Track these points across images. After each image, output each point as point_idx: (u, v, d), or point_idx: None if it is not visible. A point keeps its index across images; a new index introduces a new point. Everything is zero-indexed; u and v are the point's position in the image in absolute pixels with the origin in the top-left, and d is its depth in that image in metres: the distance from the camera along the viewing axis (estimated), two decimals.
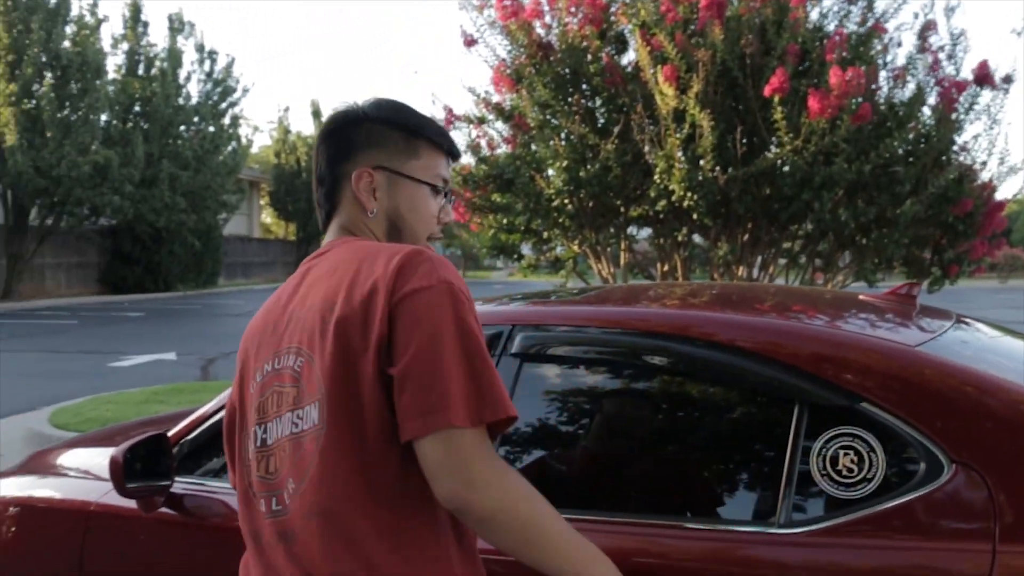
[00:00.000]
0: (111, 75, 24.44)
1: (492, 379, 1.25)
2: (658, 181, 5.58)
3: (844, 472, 1.67)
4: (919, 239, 6.56)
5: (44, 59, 22.08)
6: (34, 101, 21.89)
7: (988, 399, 1.66)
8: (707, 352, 1.85)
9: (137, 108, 25.01)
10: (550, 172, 6.13)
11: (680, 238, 6.35)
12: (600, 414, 2.04)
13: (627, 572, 1.71)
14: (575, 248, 6.90)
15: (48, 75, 22.07)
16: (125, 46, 25.23)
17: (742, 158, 5.56)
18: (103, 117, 24.17)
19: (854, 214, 5.71)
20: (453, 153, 1.55)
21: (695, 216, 5.66)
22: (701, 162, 5.39)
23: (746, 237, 6.26)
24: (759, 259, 6.70)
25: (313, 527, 1.28)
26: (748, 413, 1.90)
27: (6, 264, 23.64)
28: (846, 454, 1.68)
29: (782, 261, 6.96)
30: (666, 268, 6.68)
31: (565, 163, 5.94)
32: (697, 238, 6.81)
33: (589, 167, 5.90)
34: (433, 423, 1.21)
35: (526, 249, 7.68)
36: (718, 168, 5.41)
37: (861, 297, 2.42)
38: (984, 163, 6.51)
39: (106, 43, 24.44)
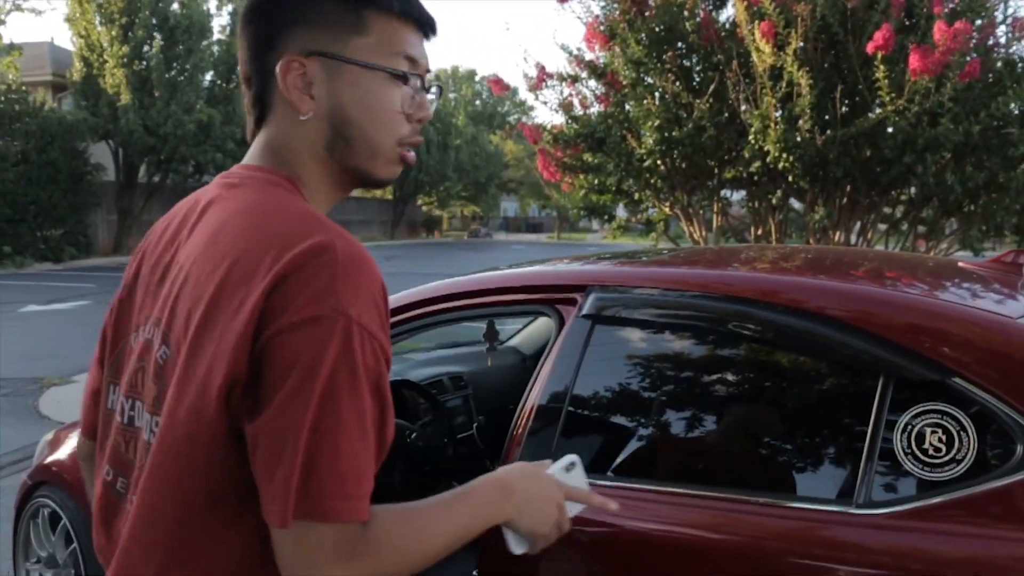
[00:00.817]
0: (216, 35, 25.02)
1: (334, 467, 0.93)
2: (753, 142, 5.39)
3: (931, 451, 1.57)
4: None
5: (154, 21, 22.76)
6: (144, 62, 22.62)
7: None
8: (790, 319, 1.75)
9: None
10: (642, 132, 5.98)
11: (775, 201, 6.13)
12: (674, 382, 1.96)
13: (697, 547, 1.65)
14: (666, 210, 6.75)
15: (157, 36, 22.75)
16: (230, 7, 25.76)
17: (841, 119, 5.31)
18: (207, 76, 24.82)
19: (961, 178, 5.41)
20: (423, 22, 1.15)
21: (791, 178, 5.45)
22: (798, 122, 5.17)
23: (844, 201, 6.01)
24: (858, 225, 6.44)
25: (130, 551, 1.04)
26: (831, 385, 1.80)
27: (117, 220, 24.64)
28: (934, 432, 1.57)
29: (882, 227, 6.67)
30: (760, 232, 6.48)
31: (657, 122, 5.79)
32: (793, 202, 6.58)
33: (682, 127, 5.74)
34: (280, 512, 0.94)
35: (619, 211, 7.56)
36: (816, 129, 5.19)
37: (961, 265, 2.27)
38: None
39: (212, 4, 25.01)
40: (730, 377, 1.91)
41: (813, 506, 1.64)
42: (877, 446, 1.60)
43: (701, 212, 6.73)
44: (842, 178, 5.55)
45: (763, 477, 1.78)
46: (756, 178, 5.91)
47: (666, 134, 5.75)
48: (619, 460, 1.94)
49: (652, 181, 6.34)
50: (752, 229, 6.65)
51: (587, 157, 6.58)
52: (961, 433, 1.55)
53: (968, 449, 1.54)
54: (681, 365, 1.97)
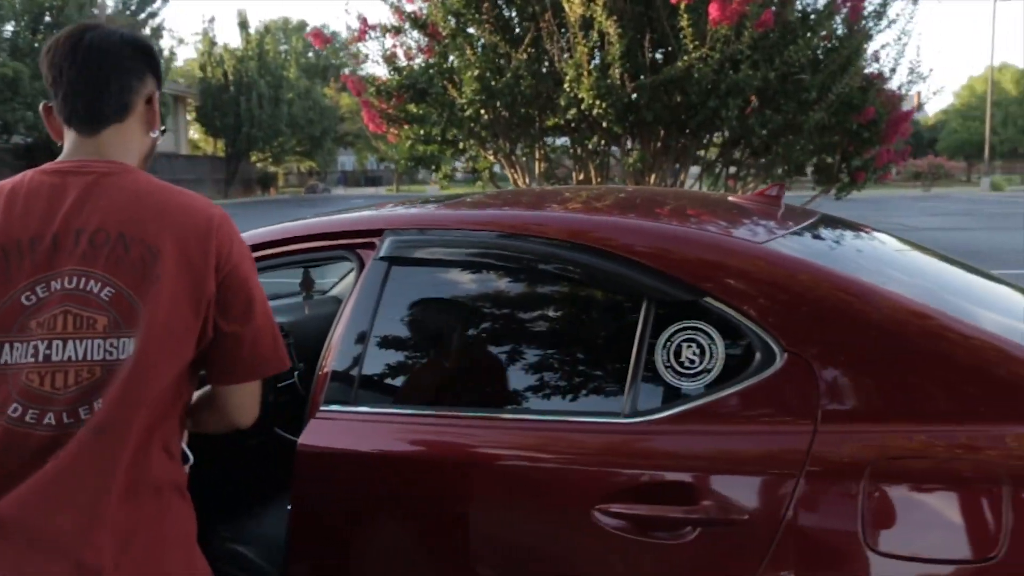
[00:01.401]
0: None
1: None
2: (568, 90, 5.58)
3: (686, 364, 1.76)
4: (828, 146, 6.70)
5: None
6: None
7: (820, 292, 1.75)
8: (563, 251, 1.90)
9: (48, 19, 23.94)
10: (463, 82, 6.08)
11: (591, 147, 6.38)
12: (465, 315, 2.09)
13: (497, 460, 1.80)
14: (491, 158, 6.89)
15: None
16: None
17: (651, 66, 5.57)
18: (8, 27, 23.12)
19: (761, 121, 5.79)
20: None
21: (605, 124, 5.69)
22: (609, 70, 5.39)
23: (658, 145, 6.32)
24: (677, 167, 6.78)
25: (97, 441, 1.38)
26: (600, 310, 1.96)
27: None
28: (689, 346, 1.76)
29: (696, 169, 7.05)
30: (582, 177, 6.73)
31: (477, 72, 5.89)
32: (616, 149, 6.86)
33: (502, 77, 5.86)
34: (262, 371, 1.52)
35: (454, 163, 7.65)
36: (626, 76, 5.42)
37: (730, 198, 2.49)
38: (893, 71, 6.63)
39: None
40: (513, 307, 2.05)
41: (589, 419, 1.81)
42: (642, 362, 1.78)
43: (524, 160, 6.91)
44: (653, 123, 5.83)
45: (546, 397, 1.93)
46: (573, 125, 6.12)
47: (486, 84, 5.87)
48: (416, 390, 2.06)
49: (475, 130, 6.46)
50: (574, 174, 6.89)
51: (411, 108, 6.63)
52: (711, 346, 1.75)
53: (716, 360, 1.74)
54: (470, 299, 2.09)
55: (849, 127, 6.18)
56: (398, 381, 2.09)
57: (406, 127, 6.86)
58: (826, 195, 7.13)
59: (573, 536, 1.72)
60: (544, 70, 5.97)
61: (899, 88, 6.85)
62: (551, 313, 2.00)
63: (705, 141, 6.64)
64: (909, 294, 1.77)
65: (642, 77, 5.51)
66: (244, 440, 2.16)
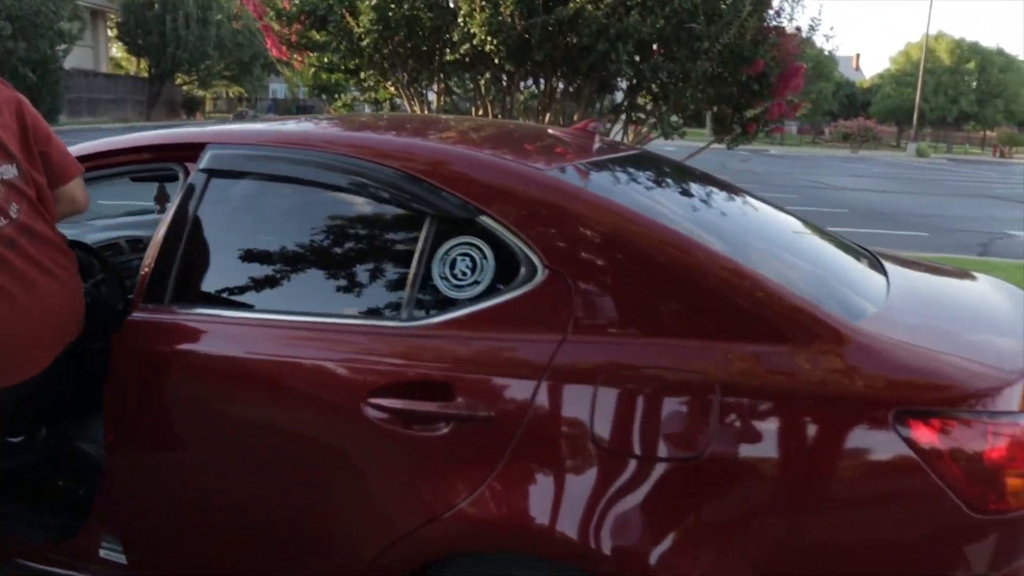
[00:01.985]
0: None
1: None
2: (462, 24, 5.63)
3: (459, 276, 1.90)
4: (724, 97, 6.86)
5: None
6: None
7: (584, 218, 1.90)
8: (358, 168, 2.04)
9: None
10: (360, 12, 6.06)
11: (483, 83, 6.45)
12: (267, 226, 2.21)
13: (285, 358, 1.94)
14: (392, 90, 6.91)
15: None
16: None
17: (544, 6, 5.64)
18: None
19: (653, 68, 5.92)
20: None
21: (497, 61, 5.76)
22: (501, 7, 5.44)
23: (555, 85, 6.41)
24: (581, 109, 6.89)
25: (25, 240, 2.11)
26: (387, 225, 2.10)
27: None
28: (463, 259, 1.91)
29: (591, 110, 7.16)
30: (480, 113, 6.80)
31: (375, 2, 5.89)
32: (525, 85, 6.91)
33: (400, 8, 5.87)
34: (69, 173, 2.31)
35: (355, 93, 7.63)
36: (518, 14, 5.49)
37: (550, 131, 2.63)
38: (788, 21, 6.79)
39: None
40: (311, 220, 2.17)
41: (371, 322, 1.95)
42: (420, 273, 1.93)
43: (423, 93, 6.94)
44: (543, 62, 5.91)
45: (334, 303, 2.06)
46: (468, 60, 6.17)
47: (382, 14, 5.87)
48: (220, 295, 2.18)
49: (375, 60, 6.46)
50: (473, 110, 6.96)
51: (313, 35, 6.59)
52: (483, 260, 1.90)
53: (487, 273, 1.89)
54: (275, 211, 2.21)
55: (740, 78, 6.34)
56: (205, 286, 2.20)
57: (311, 54, 6.82)
58: (720, 144, 7.32)
59: (345, 426, 1.88)
60: (442, 3, 5.99)
61: (797, 42, 7.01)
62: (345, 226, 2.13)
63: (601, 85, 6.74)
64: (671, 225, 1.93)
65: (532, 17, 5.57)
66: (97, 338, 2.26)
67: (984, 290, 2.50)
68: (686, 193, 2.40)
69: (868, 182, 24.45)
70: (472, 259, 1.91)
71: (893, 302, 2.10)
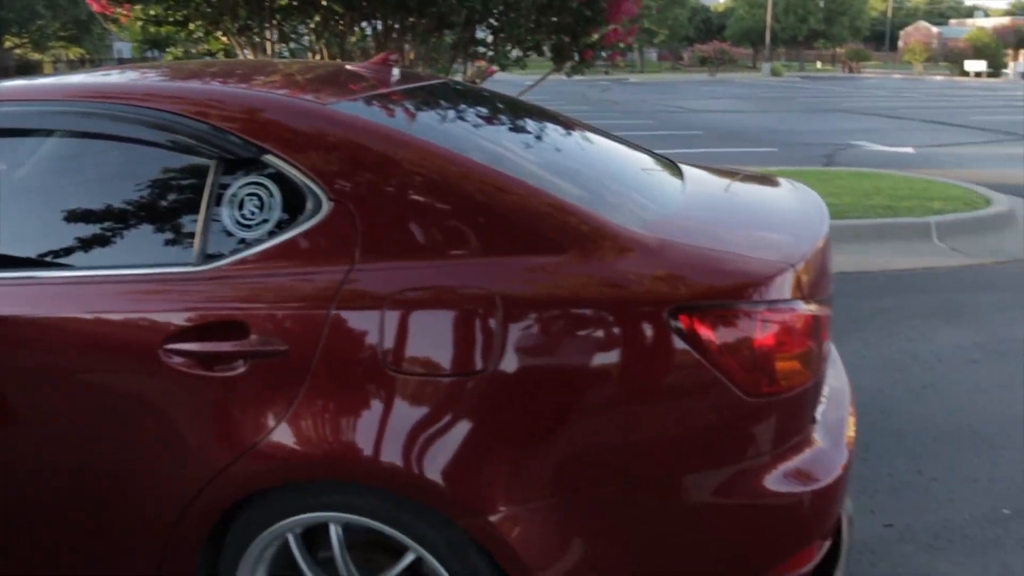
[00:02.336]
0: None
1: None
2: None
3: (248, 215, 1.91)
4: (559, 26, 6.92)
5: None
6: None
7: (364, 148, 1.92)
8: (140, 114, 2.00)
9: None
10: None
11: (313, 26, 6.33)
12: (46, 179, 2.15)
13: (78, 313, 1.91)
14: (223, 40, 6.70)
15: None
16: None
17: None
18: None
19: (483, 2, 5.91)
20: None
21: (325, 3, 5.65)
22: None
23: (391, 24, 6.34)
24: (417, 46, 6.82)
25: None
26: (175, 171, 2.07)
27: None
28: (251, 199, 1.92)
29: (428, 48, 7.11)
30: (317, 57, 6.67)
31: None
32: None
33: None
34: None
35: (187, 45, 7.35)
36: None
37: (346, 66, 2.63)
38: None
39: None
40: (96, 172, 2.13)
41: (163, 270, 1.94)
42: (210, 216, 1.92)
43: (258, 42, 6.76)
44: (374, 2, 5.84)
45: (123, 252, 2.04)
46: (296, 4, 6.04)
47: None
48: (5, 253, 2.12)
49: (203, 9, 6.24)
50: (310, 55, 6.82)
51: None
52: (270, 198, 1.91)
53: (275, 210, 1.90)
54: (59, 164, 2.16)
55: (571, 6, 6.40)
56: None
57: (135, 7, 6.53)
58: (560, 74, 7.39)
59: (146, 375, 1.88)
60: None
61: None
62: (129, 176, 2.09)
63: (440, 22, 6.69)
64: (448, 147, 1.97)
65: None
66: None
67: (778, 194, 2.64)
68: (478, 117, 2.44)
69: (724, 104, 25.16)
70: (260, 198, 1.92)
71: (682, 207, 2.21)
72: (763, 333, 1.77)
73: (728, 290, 1.81)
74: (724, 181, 2.66)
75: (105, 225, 2.08)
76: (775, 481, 1.84)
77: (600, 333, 1.76)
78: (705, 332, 1.74)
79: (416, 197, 1.86)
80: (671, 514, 1.81)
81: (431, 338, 1.78)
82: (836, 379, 2.35)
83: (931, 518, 2.98)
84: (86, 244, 2.07)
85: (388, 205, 1.86)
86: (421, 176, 1.87)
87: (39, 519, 2.09)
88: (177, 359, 1.86)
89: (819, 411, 2.03)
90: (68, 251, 2.07)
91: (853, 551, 2.76)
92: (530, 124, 2.53)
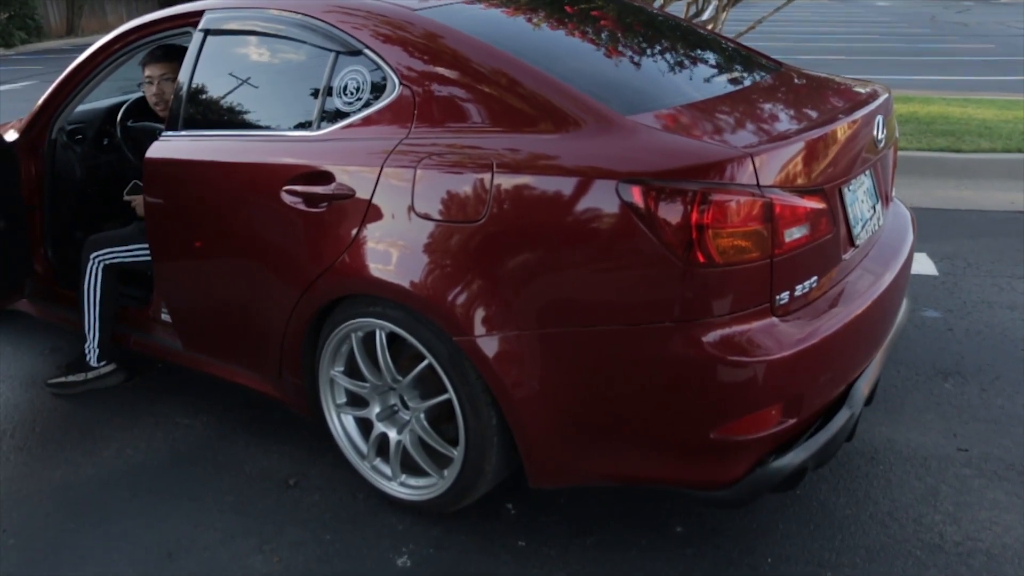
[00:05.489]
0: None
1: None
2: None
3: (350, 93, 2.54)
4: None
5: None
6: None
7: (421, 43, 2.50)
8: (302, 22, 2.74)
9: None
10: None
11: None
12: (258, 75, 2.91)
13: (243, 159, 2.69)
14: None
15: None
16: None
17: None
18: None
19: None
20: None
21: None
22: None
23: None
24: None
25: None
26: (312, 65, 2.73)
27: (66, 2, 24.57)
28: (353, 81, 2.54)
29: None
30: None
31: None
32: None
33: None
34: None
35: None
36: None
37: None
38: None
39: None
40: (272, 65, 2.86)
41: (294, 132, 2.64)
42: (326, 95, 2.58)
43: None
44: None
45: (274, 123, 2.76)
46: None
47: None
48: (210, 119, 2.92)
49: None
50: None
51: None
52: (364, 82, 2.52)
53: (365, 90, 2.51)
54: (263, 63, 2.91)
55: None
56: (201, 114, 2.95)
57: None
58: None
59: (271, 208, 2.58)
60: None
61: None
62: (290, 69, 2.81)
63: None
64: (487, 42, 2.43)
65: None
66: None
67: (826, 100, 2.64)
68: (539, 18, 2.82)
69: None
70: (357, 81, 2.53)
71: (712, 101, 2.43)
72: (700, 212, 2.01)
73: (677, 172, 2.03)
74: (801, 85, 2.78)
75: (262, 102, 2.83)
76: (714, 345, 2.06)
77: (565, 199, 2.10)
78: (650, 205, 2.02)
79: (455, 82, 2.37)
80: (619, 360, 2.14)
81: (444, 192, 2.29)
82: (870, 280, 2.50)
83: (1016, 453, 2.98)
84: (249, 114, 2.83)
85: (437, 87, 2.40)
86: (457, 65, 2.38)
87: (212, 315, 2.92)
88: (291, 198, 2.55)
89: (825, 296, 2.26)
90: (242, 119, 2.85)
91: (890, 461, 2.87)
92: (613, 24, 2.89)
